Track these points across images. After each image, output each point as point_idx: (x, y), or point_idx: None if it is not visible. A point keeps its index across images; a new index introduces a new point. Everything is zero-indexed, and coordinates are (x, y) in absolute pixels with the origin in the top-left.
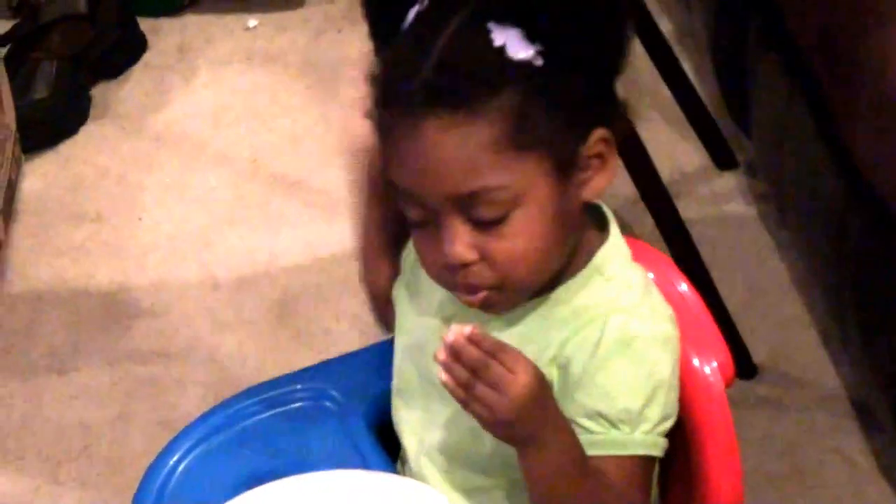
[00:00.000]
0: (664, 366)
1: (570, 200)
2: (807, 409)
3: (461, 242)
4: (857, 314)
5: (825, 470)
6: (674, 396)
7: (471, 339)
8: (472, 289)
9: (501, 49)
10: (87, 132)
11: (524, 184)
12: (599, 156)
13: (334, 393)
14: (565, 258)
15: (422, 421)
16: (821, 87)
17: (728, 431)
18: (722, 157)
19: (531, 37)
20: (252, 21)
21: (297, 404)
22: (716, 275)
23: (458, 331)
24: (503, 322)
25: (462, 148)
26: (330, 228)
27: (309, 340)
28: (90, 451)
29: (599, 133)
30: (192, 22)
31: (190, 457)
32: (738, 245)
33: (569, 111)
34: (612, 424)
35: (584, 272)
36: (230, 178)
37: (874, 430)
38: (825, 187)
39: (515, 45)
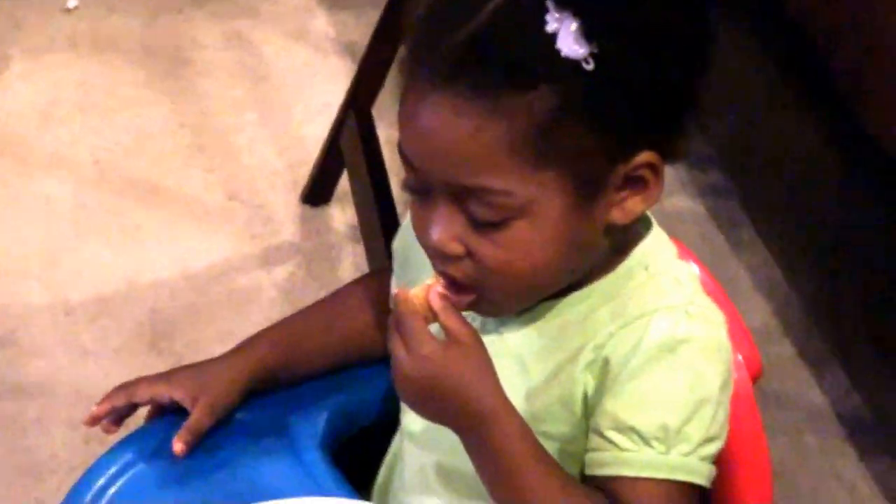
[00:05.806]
0: (713, 378)
1: (590, 221)
2: (795, 431)
3: (448, 233)
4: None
5: (821, 496)
6: (722, 415)
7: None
8: (454, 283)
9: (551, 38)
10: None
11: (535, 196)
12: (641, 179)
13: (282, 415)
14: (576, 274)
15: (424, 438)
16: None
17: (756, 430)
18: None
19: (590, 34)
20: (72, 1)
21: (238, 429)
22: None
23: (427, 288)
24: (524, 321)
25: (473, 138)
26: (200, 239)
27: None
28: None
29: (645, 157)
30: None
31: (119, 482)
32: (687, 245)
33: (610, 131)
34: (645, 441)
35: (625, 265)
36: (70, 185)
37: (872, 452)
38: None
39: (568, 38)
